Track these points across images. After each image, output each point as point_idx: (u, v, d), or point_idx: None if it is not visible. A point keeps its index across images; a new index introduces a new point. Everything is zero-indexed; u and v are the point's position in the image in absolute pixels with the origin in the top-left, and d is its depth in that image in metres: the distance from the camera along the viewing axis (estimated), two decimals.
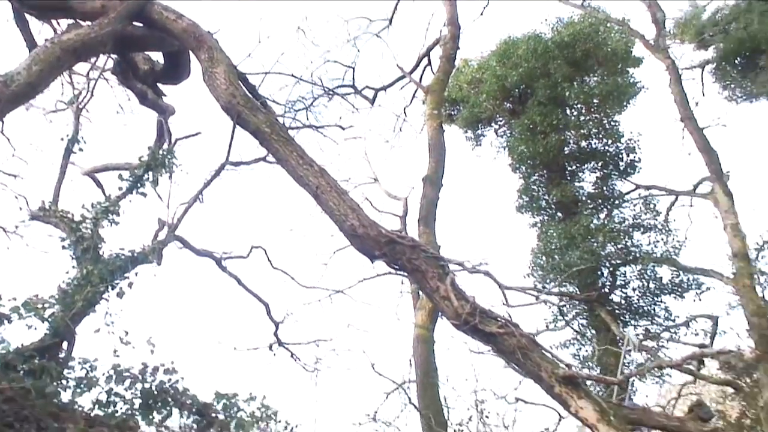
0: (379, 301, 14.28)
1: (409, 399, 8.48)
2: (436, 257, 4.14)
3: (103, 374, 6.71)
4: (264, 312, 9.62)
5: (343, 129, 10.30)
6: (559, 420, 5.72)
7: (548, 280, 13.42)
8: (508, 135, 15.30)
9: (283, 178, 4.99)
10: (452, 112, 16.33)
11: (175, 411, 7.37)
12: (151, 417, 6.96)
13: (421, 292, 10.37)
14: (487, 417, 8.46)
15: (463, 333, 4.07)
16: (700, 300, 13.64)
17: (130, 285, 7.36)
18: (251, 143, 5.41)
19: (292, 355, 10.41)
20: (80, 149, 8.58)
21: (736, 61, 14.66)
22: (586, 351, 13.96)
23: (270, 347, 10.25)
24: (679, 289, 13.76)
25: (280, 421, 7.93)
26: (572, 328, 14.14)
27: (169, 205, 8.03)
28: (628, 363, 12.40)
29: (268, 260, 9.22)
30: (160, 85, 8.16)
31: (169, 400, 7.26)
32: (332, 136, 14.16)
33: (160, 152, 7.89)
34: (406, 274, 4.46)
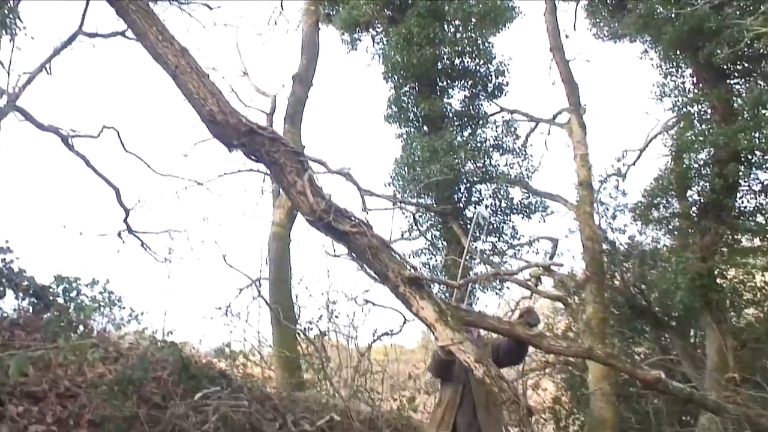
0: (238, 198, 14.03)
1: (259, 292, 8.52)
2: (296, 152, 4.06)
3: None
4: (114, 197, 9.16)
5: (211, 9, 9.74)
6: (404, 322, 5.98)
7: (407, 191, 13.74)
8: (384, 43, 15.12)
9: (142, 55, 4.65)
10: (330, 12, 15.84)
11: (10, 292, 7.03)
12: None
13: (281, 191, 10.31)
14: (336, 317, 8.68)
15: (317, 230, 4.07)
16: (544, 222, 14.60)
17: None
18: (111, 15, 4.95)
19: (142, 244, 10.05)
20: None
21: (608, 1, 15.19)
22: (436, 261, 14.62)
23: (119, 234, 9.82)
24: (527, 210, 14.58)
25: (124, 308, 7.78)
26: (426, 238, 14.69)
27: (10, 73, 7.33)
28: (473, 274, 13.13)
29: (121, 143, 8.67)
30: None
31: (3, 280, 6.90)
32: (200, 18, 13.41)
33: (1, 11, 7.08)
34: (264, 167, 4.36)
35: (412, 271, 4.00)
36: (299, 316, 9.27)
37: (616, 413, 12.00)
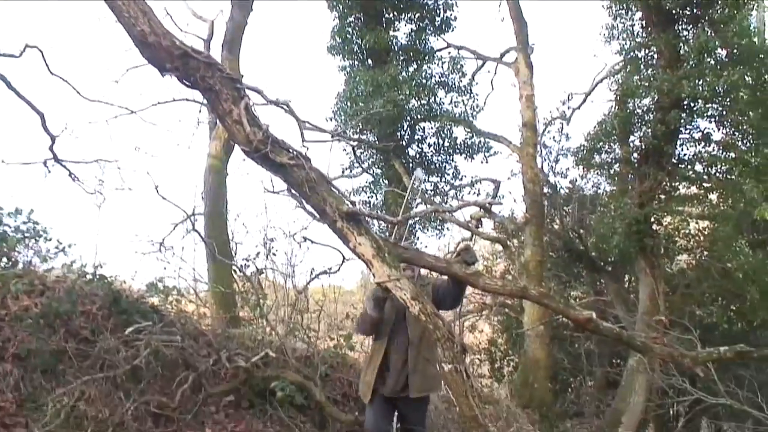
0: (172, 128, 13.70)
1: (194, 227, 8.45)
2: (233, 79, 3.98)
3: None
4: (38, 123, 8.76)
5: None
6: (343, 261, 6.02)
7: (349, 127, 13.69)
8: None
9: None
10: None
11: None
12: None
13: (217, 122, 10.14)
14: (274, 254, 8.69)
15: (253, 161, 4.03)
16: (487, 163, 14.87)
17: None
18: None
19: (70, 174, 9.70)
20: None
21: None
22: (377, 199, 14.76)
23: (44, 163, 9.44)
24: (470, 151, 14.78)
25: (51, 239, 7.62)
26: (368, 173, 14.76)
27: None
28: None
29: (46, 64, 8.25)
30: None
31: None
32: None
33: None
34: (200, 96, 4.27)
35: (351, 206, 4.03)
36: (236, 253, 9.24)
37: (550, 354, 12.70)
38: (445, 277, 4.69)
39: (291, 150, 3.97)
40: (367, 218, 4.24)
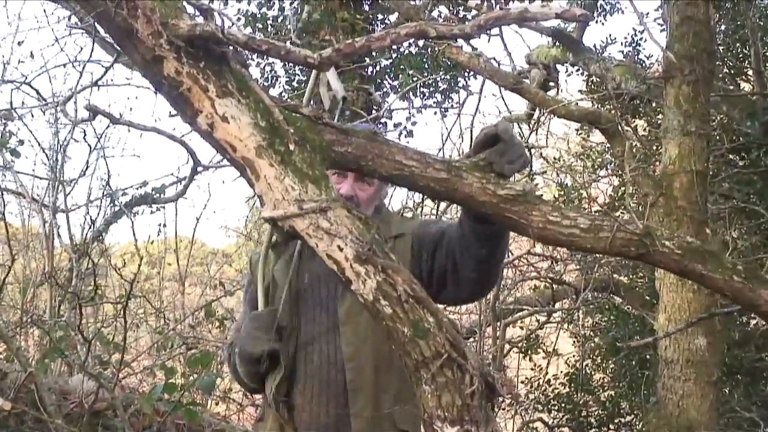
0: None
1: None
2: None
3: None
4: None
5: None
6: (195, 169, 4.17)
7: None
8: None
9: None
10: None
11: None
12: None
13: None
14: (14, 152, 6.64)
15: None
16: None
17: None
18: None
19: None
20: None
21: None
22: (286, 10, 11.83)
23: None
24: None
25: None
26: None
27: None
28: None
29: None
30: None
31: None
32: None
33: None
34: None
35: (200, 23, 2.31)
36: None
37: (718, 408, 7.78)
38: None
39: None
40: (245, 52, 2.46)
